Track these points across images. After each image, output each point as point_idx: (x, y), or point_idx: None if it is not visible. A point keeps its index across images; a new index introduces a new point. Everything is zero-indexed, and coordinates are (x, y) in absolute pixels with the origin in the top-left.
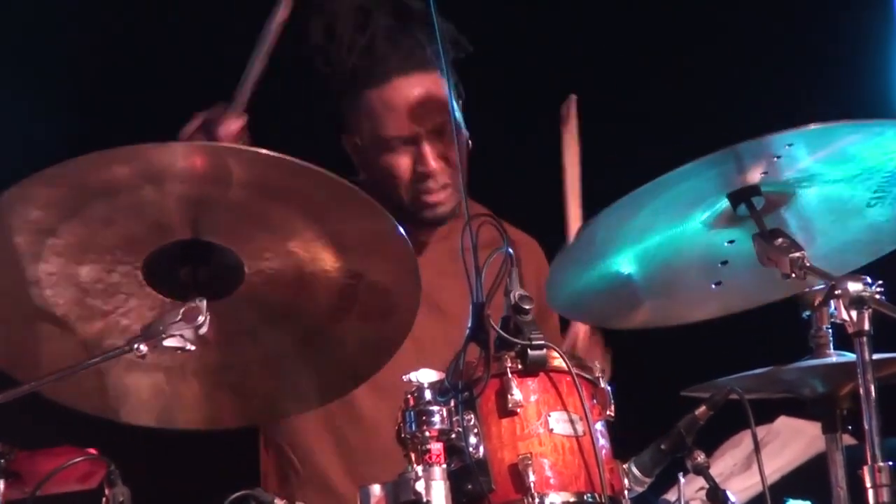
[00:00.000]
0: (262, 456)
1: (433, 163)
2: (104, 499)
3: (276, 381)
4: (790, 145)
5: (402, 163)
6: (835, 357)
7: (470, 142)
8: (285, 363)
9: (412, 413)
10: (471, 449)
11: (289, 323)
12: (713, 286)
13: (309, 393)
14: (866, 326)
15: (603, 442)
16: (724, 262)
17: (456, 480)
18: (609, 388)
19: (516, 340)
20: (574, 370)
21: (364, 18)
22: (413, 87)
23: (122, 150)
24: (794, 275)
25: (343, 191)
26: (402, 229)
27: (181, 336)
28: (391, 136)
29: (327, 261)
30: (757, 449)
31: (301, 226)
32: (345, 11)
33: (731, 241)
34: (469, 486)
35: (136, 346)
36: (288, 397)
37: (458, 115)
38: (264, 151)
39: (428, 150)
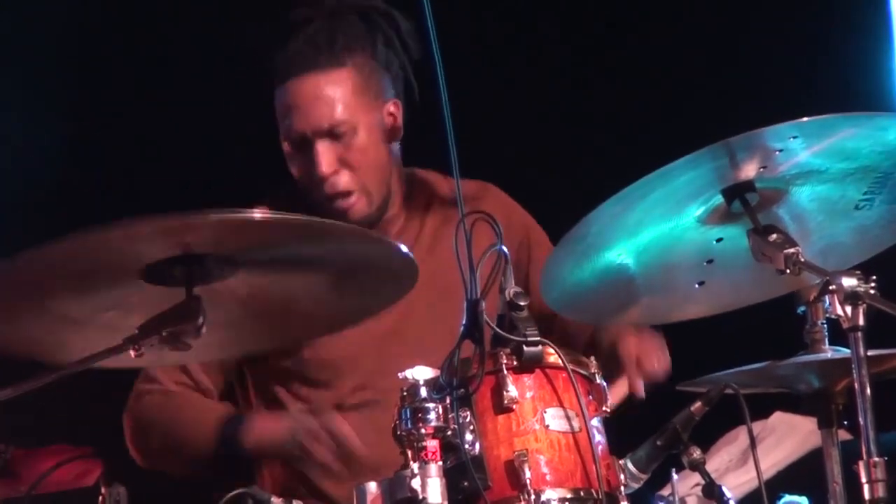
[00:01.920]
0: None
1: (325, 168)
2: (100, 497)
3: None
4: (795, 137)
5: (302, 166)
6: (830, 352)
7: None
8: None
9: (408, 410)
10: (467, 446)
11: (280, 304)
12: (696, 286)
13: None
14: (861, 322)
15: (599, 438)
16: (710, 261)
17: (452, 477)
18: (604, 383)
19: (511, 337)
20: (570, 366)
21: (311, 13)
22: (302, 89)
23: (103, 232)
24: (788, 270)
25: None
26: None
27: (178, 334)
28: (287, 138)
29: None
30: (753, 444)
31: (294, 246)
32: (301, 16)
33: (719, 240)
34: (465, 483)
35: (132, 344)
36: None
37: (374, 112)
38: (258, 217)
39: (320, 153)
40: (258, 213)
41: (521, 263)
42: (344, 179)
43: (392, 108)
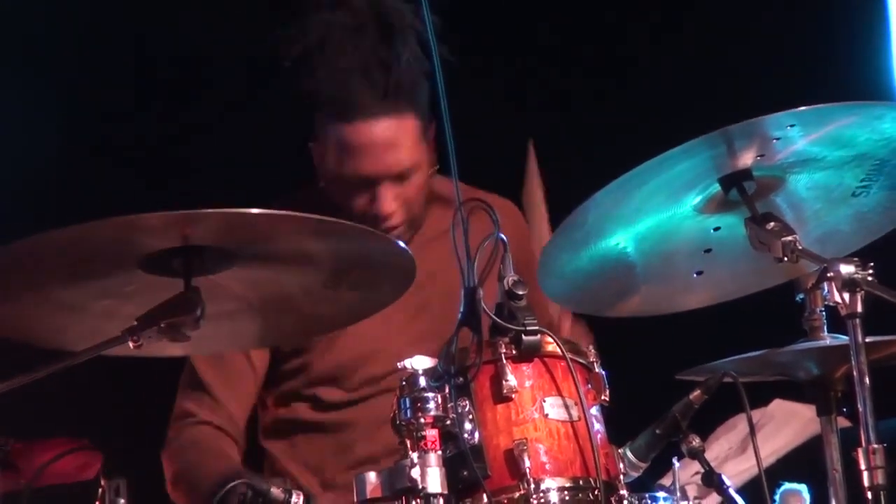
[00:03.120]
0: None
1: (387, 206)
2: (100, 489)
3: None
4: (792, 125)
5: (359, 201)
6: (828, 339)
7: (435, 169)
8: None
9: (407, 400)
10: (466, 435)
11: (278, 299)
12: (695, 275)
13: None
14: (859, 308)
15: (598, 427)
16: (708, 250)
17: (451, 467)
18: (604, 372)
19: (510, 326)
20: (569, 355)
21: (349, 40)
22: (376, 132)
23: (105, 222)
24: (786, 258)
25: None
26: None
27: (177, 325)
28: (348, 175)
29: (321, 255)
30: (752, 432)
31: (294, 238)
32: (332, 31)
33: (717, 229)
34: (465, 473)
35: (130, 335)
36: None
37: (426, 146)
38: (254, 212)
39: (384, 193)
40: (256, 211)
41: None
42: (399, 216)
43: (431, 135)
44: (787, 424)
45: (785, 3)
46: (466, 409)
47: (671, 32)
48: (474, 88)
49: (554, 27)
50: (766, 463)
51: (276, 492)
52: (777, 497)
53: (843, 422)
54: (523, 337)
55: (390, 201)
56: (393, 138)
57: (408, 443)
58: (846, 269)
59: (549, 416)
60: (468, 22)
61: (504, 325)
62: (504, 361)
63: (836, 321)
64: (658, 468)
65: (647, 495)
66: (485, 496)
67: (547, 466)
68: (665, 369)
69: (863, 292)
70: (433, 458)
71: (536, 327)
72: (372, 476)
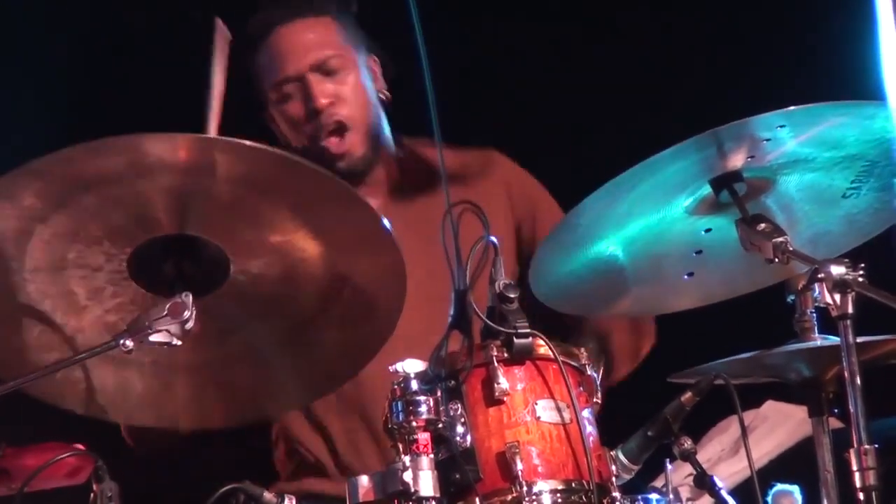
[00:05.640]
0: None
1: (318, 97)
2: (92, 494)
3: (258, 379)
4: (782, 126)
5: (295, 107)
6: (819, 340)
7: (384, 92)
8: (267, 360)
9: (399, 403)
10: (458, 438)
11: (272, 320)
12: (686, 277)
13: (290, 393)
14: (850, 309)
15: (590, 429)
16: (699, 252)
17: (443, 470)
18: (595, 375)
19: (502, 329)
20: (560, 358)
21: None
22: (293, 31)
23: (108, 140)
24: (777, 259)
25: (327, 183)
26: (387, 225)
27: (167, 331)
28: (279, 79)
29: (313, 261)
30: (744, 434)
31: (288, 221)
32: None
33: (708, 230)
34: (457, 476)
35: (121, 341)
36: (270, 397)
37: (360, 57)
38: (249, 143)
39: (313, 85)
40: (249, 142)
41: (526, 241)
42: (340, 112)
43: (372, 64)
44: (779, 426)
45: (773, 2)
46: (458, 412)
47: (660, 33)
48: (463, 89)
49: (545, 28)
50: (758, 464)
51: (268, 497)
52: (769, 498)
53: (834, 423)
54: (515, 340)
55: (323, 92)
56: (311, 33)
57: (400, 446)
58: (837, 270)
59: (541, 419)
60: (456, 21)
61: (495, 327)
62: (496, 364)
63: (827, 322)
64: (650, 470)
65: (639, 497)
66: (477, 499)
67: (539, 469)
68: (656, 371)
69: (854, 293)
70: (425, 461)
71: (527, 330)
72: (364, 479)
